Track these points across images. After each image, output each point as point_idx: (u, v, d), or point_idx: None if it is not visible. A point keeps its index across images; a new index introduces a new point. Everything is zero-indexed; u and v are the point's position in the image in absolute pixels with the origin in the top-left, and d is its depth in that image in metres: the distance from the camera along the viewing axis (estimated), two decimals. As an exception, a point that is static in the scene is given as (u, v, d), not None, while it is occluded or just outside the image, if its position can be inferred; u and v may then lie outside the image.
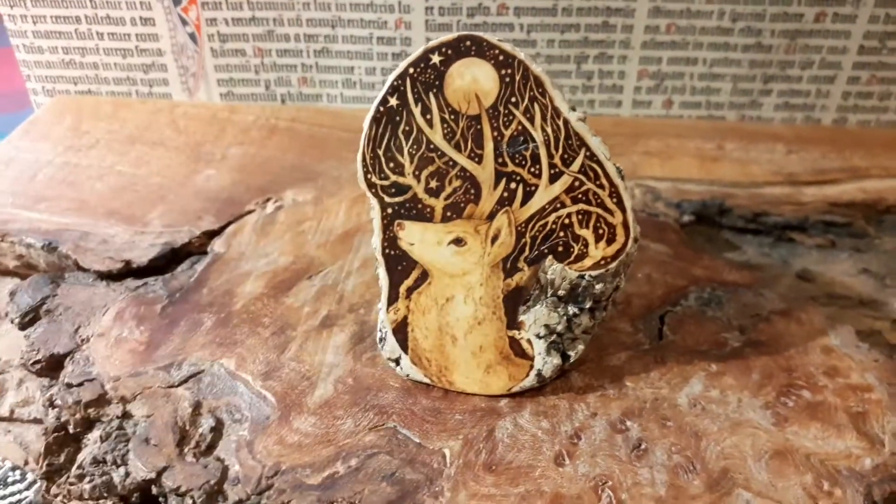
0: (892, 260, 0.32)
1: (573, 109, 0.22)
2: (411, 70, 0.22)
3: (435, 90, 0.22)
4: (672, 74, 0.41)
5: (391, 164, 0.23)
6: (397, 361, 0.25)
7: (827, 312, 0.28)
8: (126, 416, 0.24)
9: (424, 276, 0.24)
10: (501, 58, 0.22)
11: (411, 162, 0.23)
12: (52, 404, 0.25)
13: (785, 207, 0.35)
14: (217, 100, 0.43)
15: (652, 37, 0.40)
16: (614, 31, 0.40)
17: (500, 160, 0.23)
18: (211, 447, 0.23)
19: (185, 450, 0.23)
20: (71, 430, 0.25)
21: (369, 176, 0.23)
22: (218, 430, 0.24)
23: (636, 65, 0.41)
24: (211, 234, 0.32)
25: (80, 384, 0.25)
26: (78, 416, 0.25)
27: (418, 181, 0.23)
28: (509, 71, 0.22)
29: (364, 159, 0.23)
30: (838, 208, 0.35)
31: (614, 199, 0.22)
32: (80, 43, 0.42)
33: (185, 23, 0.40)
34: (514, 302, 0.24)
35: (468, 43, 0.22)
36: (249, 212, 0.33)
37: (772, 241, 0.33)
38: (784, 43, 0.40)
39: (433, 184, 0.23)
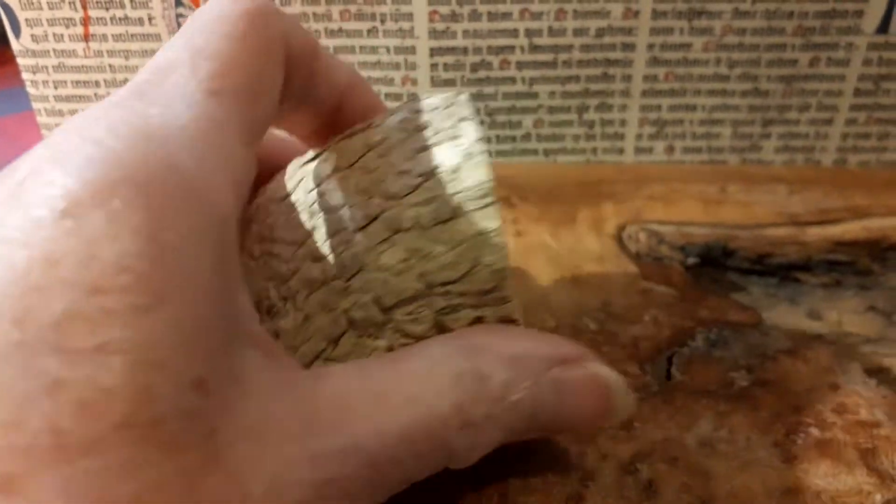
0: (898, 297, 0.32)
1: None
2: None
3: None
4: (672, 121, 0.42)
5: None
6: None
7: (834, 350, 0.29)
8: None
9: None
10: None
11: None
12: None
13: (789, 248, 0.35)
14: (231, 157, 0.44)
15: (651, 85, 0.41)
16: (614, 81, 0.41)
17: None
18: None
19: None
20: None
21: None
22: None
23: (637, 113, 0.42)
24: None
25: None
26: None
27: None
28: None
29: None
30: (842, 247, 0.35)
31: None
32: (99, 106, 0.43)
33: (199, 85, 0.42)
34: None
35: None
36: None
37: (777, 282, 0.34)
38: (781, 87, 0.41)
39: None
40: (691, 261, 0.34)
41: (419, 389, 0.16)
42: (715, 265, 0.34)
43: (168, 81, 0.16)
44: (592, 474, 0.23)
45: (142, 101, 0.15)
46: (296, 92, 0.20)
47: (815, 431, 0.25)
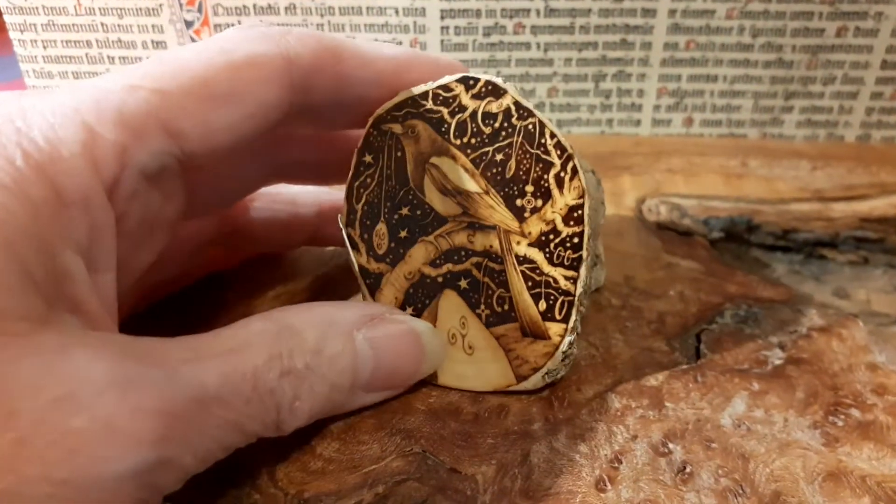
0: (930, 276, 0.31)
1: None
2: None
3: None
4: (692, 92, 0.41)
5: None
6: None
7: (870, 329, 0.27)
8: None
9: None
10: None
11: None
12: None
13: (814, 224, 0.34)
14: (229, 124, 0.42)
15: (671, 54, 0.39)
16: (633, 48, 0.39)
17: None
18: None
19: (201, 478, 0.22)
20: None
21: None
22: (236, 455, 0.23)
23: (655, 83, 0.40)
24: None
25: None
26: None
27: None
28: None
29: None
30: (870, 224, 0.34)
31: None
32: (90, 67, 0.41)
33: (197, 45, 0.40)
34: None
35: None
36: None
37: (802, 259, 0.33)
38: (805, 59, 0.39)
39: None
40: (715, 235, 0.33)
41: (237, 344, 0.18)
42: (739, 240, 0.33)
43: (104, 76, 0.18)
44: (622, 455, 0.22)
45: (63, 86, 0.18)
46: (327, 97, 0.22)
47: (855, 413, 0.23)
